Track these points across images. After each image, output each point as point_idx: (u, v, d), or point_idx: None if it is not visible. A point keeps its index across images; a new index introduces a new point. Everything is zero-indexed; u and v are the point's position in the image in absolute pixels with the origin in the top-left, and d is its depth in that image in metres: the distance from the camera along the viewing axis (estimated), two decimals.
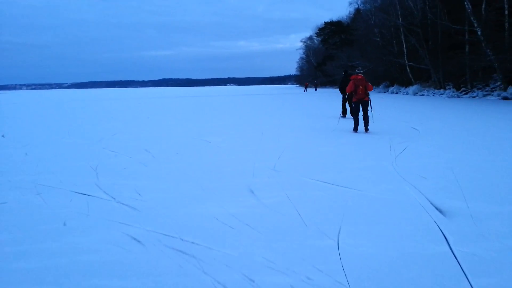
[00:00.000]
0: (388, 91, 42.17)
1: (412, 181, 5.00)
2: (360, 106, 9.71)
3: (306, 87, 68.41)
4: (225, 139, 9.31)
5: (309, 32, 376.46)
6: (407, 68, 37.84)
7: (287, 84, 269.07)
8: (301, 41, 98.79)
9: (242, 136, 9.81)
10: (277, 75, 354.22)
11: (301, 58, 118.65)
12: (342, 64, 62.48)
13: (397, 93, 38.41)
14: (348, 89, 9.79)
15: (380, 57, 42.91)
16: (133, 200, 4.38)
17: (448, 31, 29.71)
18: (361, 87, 9.46)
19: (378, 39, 43.66)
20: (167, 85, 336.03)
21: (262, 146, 8.19)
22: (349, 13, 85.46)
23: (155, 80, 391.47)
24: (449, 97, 27.37)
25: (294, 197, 4.42)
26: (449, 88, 30.73)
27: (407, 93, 35.58)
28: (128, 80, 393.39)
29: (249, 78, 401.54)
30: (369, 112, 9.93)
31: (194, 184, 5.08)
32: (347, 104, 13.99)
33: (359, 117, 9.85)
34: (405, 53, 37.41)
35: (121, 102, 31.35)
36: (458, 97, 26.77)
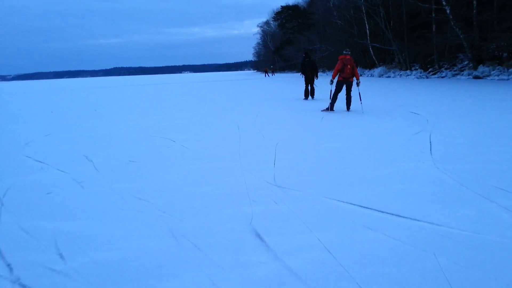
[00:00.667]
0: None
1: (496, 199, 3.27)
2: (344, 86, 9.73)
3: (266, 72, 66.43)
4: (193, 136, 7.23)
5: (264, 17, 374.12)
6: (370, 50, 36.88)
7: (243, 70, 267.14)
8: (257, 26, 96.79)
9: (214, 131, 7.78)
10: (233, 62, 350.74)
11: (258, 43, 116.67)
12: (302, 48, 61.34)
13: (361, 75, 37.40)
14: (336, 69, 9.62)
15: (341, 39, 41.78)
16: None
17: (413, 10, 28.80)
18: (348, 66, 9.37)
19: (339, 22, 42.38)
20: (119, 74, 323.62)
21: (245, 145, 6.22)
22: None
23: (106, 69, 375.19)
24: (418, 78, 26.46)
25: (334, 246, 2.55)
26: (415, 69, 29.95)
27: (371, 75, 34.64)
28: (78, 70, 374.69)
29: (204, 65, 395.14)
30: (357, 97, 10.14)
31: (159, 228, 3.01)
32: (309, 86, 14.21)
33: (337, 96, 9.95)
34: (367, 34, 36.37)
35: (65, 93, 28.07)
36: (427, 77, 25.91)
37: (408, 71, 29.62)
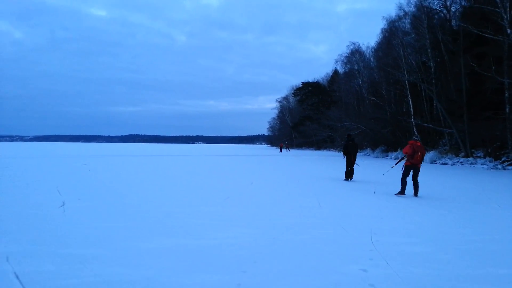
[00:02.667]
0: (387, 156, 36.05)
1: None
2: (411, 171, 9.78)
3: (281, 147, 63.18)
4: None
5: (277, 94, 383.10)
6: (414, 131, 32.00)
7: (255, 143, 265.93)
8: (276, 100, 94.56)
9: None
10: (245, 135, 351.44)
11: (273, 118, 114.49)
12: (325, 124, 57.28)
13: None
14: (405, 151, 9.81)
15: (377, 117, 37.31)
16: None
17: (478, 86, 24.30)
18: (419, 153, 9.62)
19: (374, 98, 38.22)
20: (134, 141, 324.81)
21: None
22: (325, 75, 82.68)
23: (121, 136, 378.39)
24: (490, 168, 21.05)
25: None
26: (477, 157, 24.69)
27: None
28: (94, 135, 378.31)
29: (217, 136, 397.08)
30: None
31: None
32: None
33: (406, 181, 9.80)
34: (411, 112, 31.77)
35: (66, 161, 23.11)
36: (504, 169, 20.50)
37: (470, 159, 24.31)
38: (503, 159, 22.03)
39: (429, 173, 19.15)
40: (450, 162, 25.46)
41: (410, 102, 31.51)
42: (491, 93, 23.47)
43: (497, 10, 21.13)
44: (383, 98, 38.22)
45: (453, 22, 29.46)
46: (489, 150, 23.83)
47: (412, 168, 9.68)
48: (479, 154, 25.24)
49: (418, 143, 9.65)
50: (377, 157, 37.41)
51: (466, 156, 25.18)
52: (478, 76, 24.82)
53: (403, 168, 9.85)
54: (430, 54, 29.65)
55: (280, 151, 59.24)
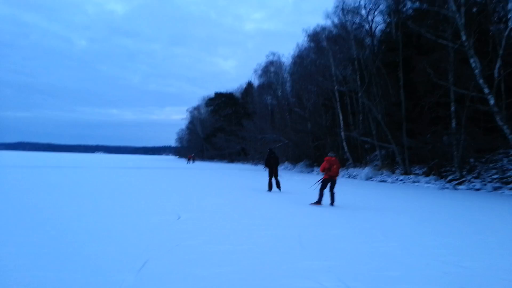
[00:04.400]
0: (312, 171, 33.41)
1: None
2: (329, 184, 10.48)
3: (189, 159, 60.80)
4: None
5: (184, 105, 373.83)
6: (344, 145, 29.72)
7: (161, 154, 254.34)
8: (187, 110, 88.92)
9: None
10: (151, 146, 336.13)
11: (182, 129, 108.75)
12: (244, 136, 53.88)
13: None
14: (322, 167, 10.54)
15: (302, 129, 34.66)
16: None
17: (413, 100, 22.54)
18: (335, 166, 10.38)
19: (298, 110, 35.54)
20: (23, 149, 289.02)
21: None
22: (238, 87, 79.84)
23: (9, 143, 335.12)
24: (442, 188, 18.89)
25: None
26: (416, 173, 22.82)
27: (350, 176, 26.97)
28: None
29: (120, 146, 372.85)
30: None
31: None
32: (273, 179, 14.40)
33: (323, 192, 10.50)
34: (341, 126, 29.46)
35: None
36: (455, 189, 18.46)
37: (412, 177, 22.26)
38: (449, 178, 20.16)
39: (373, 192, 16.22)
40: (389, 179, 23.22)
41: (340, 114, 29.22)
42: (429, 107, 21.82)
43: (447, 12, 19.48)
44: (306, 110, 35.77)
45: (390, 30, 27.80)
46: (431, 167, 22.02)
47: (329, 181, 10.53)
48: (416, 171, 23.43)
49: (333, 158, 10.58)
50: (301, 171, 34.60)
51: (405, 173, 23.16)
52: (414, 88, 23.24)
53: (321, 181, 10.67)
54: (361, 64, 27.68)
55: (187, 162, 58.14)
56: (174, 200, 10.86)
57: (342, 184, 20.57)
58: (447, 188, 18.67)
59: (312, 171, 33.66)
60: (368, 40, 30.50)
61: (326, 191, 10.63)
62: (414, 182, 21.52)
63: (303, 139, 35.39)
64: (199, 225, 7.03)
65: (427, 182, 20.74)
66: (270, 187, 14.39)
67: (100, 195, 11.36)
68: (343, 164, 30.50)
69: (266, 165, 14.45)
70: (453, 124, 19.93)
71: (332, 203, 10.41)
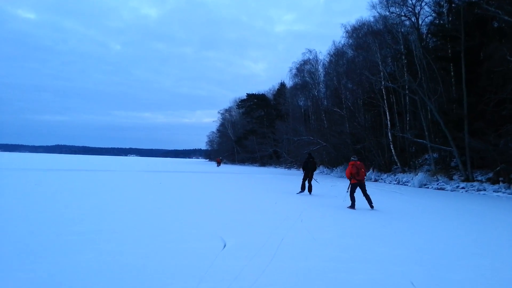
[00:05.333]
0: None
1: None
2: (358, 188, 10.69)
3: (218, 162, 61.06)
4: None
5: (215, 109, 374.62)
6: (392, 148, 26.96)
7: (191, 158, 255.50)
8: (218, 112, 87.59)
9: None
10: (182, 148, 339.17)
11: (212, 132, 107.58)
12: (279, 138, 51.78)
13: (376, 180, 26.96)
14: (348, 173, 10.67)
15: (342, 130, 32.13)
16: None
17: (474, 96, 19.67)
18: (362, 170, 10.64)
19: (339, 110, 32.95)
20: (60, 152, 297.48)
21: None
22: (270, 88, 77.75)
23: (47, 146, 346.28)
24: None
25: None
26: (479, 180, 19.88)
27: (398, 182, 24.23)
28: (16, 144, 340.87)
29: (152, 149, 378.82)
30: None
31: None
32: (306, 182, 14.83)
33: (354, 196, 10.64)
34: (388, 126, 26.74)
35: None
36: None
37: (476, 184, 19.36)
38: None
39: (436, 202, 13.50)
40: (447, 186, 20.37)
41: (387, 113, 26.51)
42: (496, 103, 18.93)
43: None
44: (346, 110, 33.14)
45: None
46: (498, 172, 19.04)
47: (358, 185, 10.69)
48: (478, 178, 20.48)
49: (358, 162, 10.79)
50: (341, 176, 32.00)
51: (467, 179, 20.25)
52: (476, 83, 20.37)
53: (349, 186, 10.77)
54: (411, 59, 24.91)
55: (217, 165, 57.96)
56: (214, 214, 8.81)
57: (394, 192, 18.06)
58: None
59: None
60: (414, 35, 27.69)
61: (360, 196, 10.92)
62: (479, 190, 18.63)
63: (342, 141, 32.79)
64: (252, 259, 4.88)
65: (495, 191, 17.84)
66: (303, 188, 14.88)
67: (128, 210, 9.49)
68: (389, 168, 27.74)
69: (304, 168, 14.99)
70: None
71: (371, 206, 10.59)
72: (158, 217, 8.07)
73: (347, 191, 11.05)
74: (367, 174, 28.22)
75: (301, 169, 15.38)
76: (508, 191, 17.31)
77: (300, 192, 14.77)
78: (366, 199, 10.70)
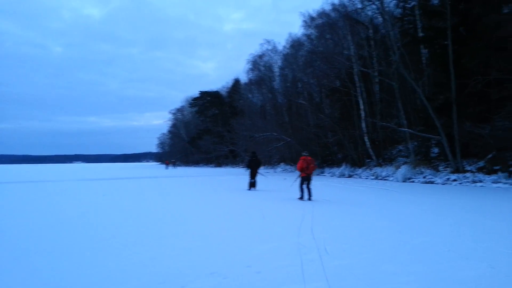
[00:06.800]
0: (323, 172, 28.16)
1: None
2: (306, 181, 11.48)
3: (167, 165, 60.98)
4: None
5: (165, 110, 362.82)
6: (366, 140, 24.59)
7: (142, 161, 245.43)
8: (169, 112, 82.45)
9: None
10: (131, 153, 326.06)
11: (163, 133, 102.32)
12: (238, 136, 48.55)
13: (351, 176, 24.44)
14: (299, 167, 11.41)
15: (306, 126, 29.50)
16: None
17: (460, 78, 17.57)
18: (311, 165, 11.38)
19: (304, 102, 30.24)
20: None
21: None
22: (224, 85, 74.14)
23: None
24: None
25: None
26: (467, 171, 17.83)
27: (378, 177, 21.84)
28: None
29: (99, 155, 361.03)
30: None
31: None
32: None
33: (303, 188, 11.53)
34: (362, 116, 24.38)
35: None
36: None
37: (469, 175, 17.21)
38: None
39: (442, 200, 10.88)
40: (437, 179, 18.11)
41: (361, 101, 24.10)
42: (483, 86, 16.94)
43: None
44: (313, 102, 30.60)
45: None
46: (491, 160, 17.03)
47: (306, 178, 11.48)
48: (467, 168, 18.44)
49: (309, 158, 11.54)
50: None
51: (457, 170, 18.12)
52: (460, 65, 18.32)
53: (300, 179, 11.64)
54: (381, 43, 22.65)
55: (166, 168, 57.52)
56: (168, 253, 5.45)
57: (380, 189, 15.43)
58: None
59: (323, 172, 28.42)
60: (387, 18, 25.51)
61: (304, 187, 11.59)
62: (474, 182, 16.49)
63: (307, 136, 30.19)
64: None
65: (494, 182, 15.74)
66: (250, 186, 15.66)
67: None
68: (363, 162, 25.38)
69: (248, 167, 15.90)
70: None
71: (310, 198, 11.40)
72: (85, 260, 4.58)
73: (294, 181, 12.84)
74: (341, 170, 25.74)
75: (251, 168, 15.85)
76: (510, 181, 15.24)
77: (248, 189, 15.52)
78: (308, 191, 11.50)
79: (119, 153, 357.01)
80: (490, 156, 17.52)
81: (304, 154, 11.75)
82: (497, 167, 16.67)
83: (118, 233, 6.40)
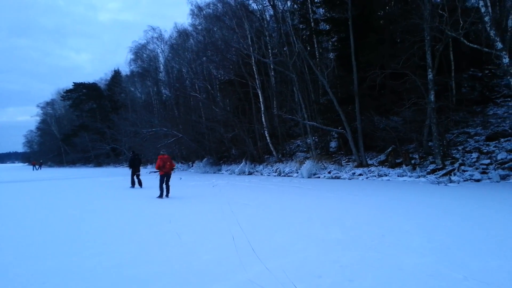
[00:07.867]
0: (221, 170, 26.09)
1: None
2: (165, 178, 11.77)
3: (34, 165, 55.94)
4: None
5: (31, 105, 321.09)
6: (267, 135, 23.18)
7: (6, 163, 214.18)
8: (38, 106, 71.36)
9: None
10: None
11: (31, 131, 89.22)
12: (124, 131, 43.46)
13: (251, 173, 22.80)
14: (157, 165, 11.64)
15: (188, 122, 27.21)
16: None
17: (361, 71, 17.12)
18: (168, 163, 11.72)
19: (197, 94, 27.69)
20: None
21: None
22: (102, 77, 66.90)
23: None
24: (434, 183, 13.59)
25: None
26: (370, 165, 17.56)
27: (281, 174, 20.58)
28: None
29: None
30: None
31: None
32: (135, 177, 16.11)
33: (163, 186, 11.77)
34: (262, 109, 22.91)
35: None
36: (438, 183, 13.31)
37: (374, 169, 16.81)
38: (429, 168, 15.15)
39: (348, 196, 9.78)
40: (343, 174, 17.41)
41: (260, 93, 22.56)
42: (384, 78, 16.78)
43: None
44: (205, 95, 28.28)
45: None
46: (391, 154, 16.89)
47: (165, 176, 11.76)
48: (370, 162, 18.20)
49: (166, 156, 11.92)
50: (206, 171, 27.02)
51: (361, 165, 17.68)
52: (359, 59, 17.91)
53: (159, 177, 11.83)
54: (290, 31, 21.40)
55: (33, 169, 52.89)
56: None
57: (295, 187, 13.91)
58: (442, 182, 13.46)
59: (220, 170, 26.37)
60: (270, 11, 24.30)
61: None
62: (380, 175, 16.09)
63: (200, 131, 27.86)
64: None
65: (400, 175, 15.48)
66: (133, 184, 16.16)
67: None
68: (262, 159, 23.98)
69: (130, 166, 16.29)
70: (431, 97, 14.96)
71: (167, 195, 11.82)
72: None
73: (154, 175, 13.28)
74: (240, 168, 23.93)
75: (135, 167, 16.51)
76: (415, 174, 15.09)
77: (131, 187, 16.10)
78: (167, 188, 11.78)
79: None
80: (389, 149, 17.45)
81: (162, 152, 12.12)
82: (399, 160, 16.59)
83: None
